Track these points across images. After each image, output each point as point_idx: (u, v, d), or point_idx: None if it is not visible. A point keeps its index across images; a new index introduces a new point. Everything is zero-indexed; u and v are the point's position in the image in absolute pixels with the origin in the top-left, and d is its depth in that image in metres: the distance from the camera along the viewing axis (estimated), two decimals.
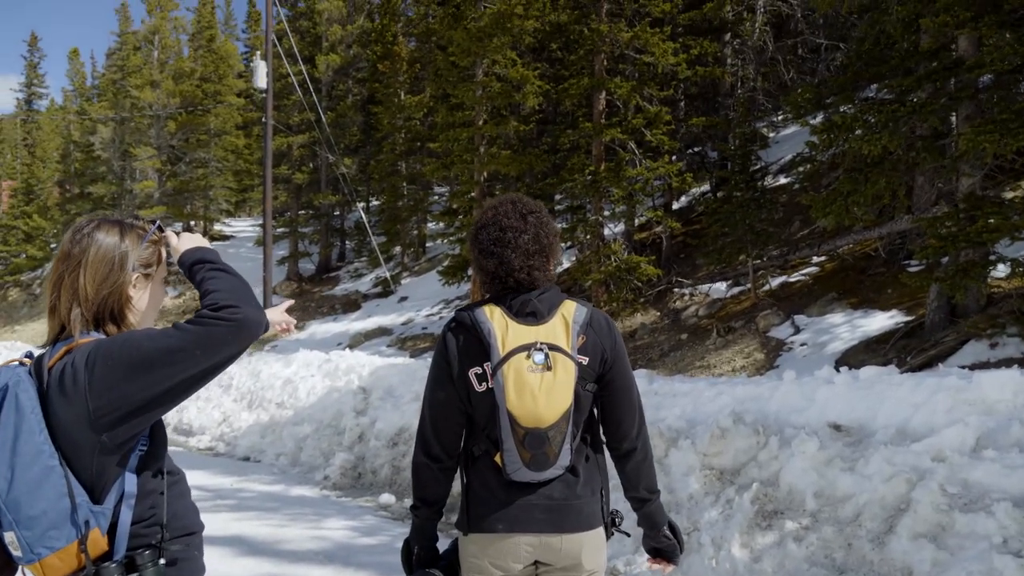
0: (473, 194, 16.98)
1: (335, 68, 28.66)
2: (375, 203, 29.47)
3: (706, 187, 16.66)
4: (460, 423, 2.12)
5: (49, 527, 1.47)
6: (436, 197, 26.71)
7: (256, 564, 5.30)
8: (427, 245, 26.38)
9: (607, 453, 2.22)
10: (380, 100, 25.35)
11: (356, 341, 18.80)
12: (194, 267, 1.67)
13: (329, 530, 6.26)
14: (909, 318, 9.35)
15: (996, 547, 3.71)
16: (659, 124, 13.13)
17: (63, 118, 46.75)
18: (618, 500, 2.29)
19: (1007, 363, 7.13)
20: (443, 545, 2.25)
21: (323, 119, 23.21)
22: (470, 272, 16.87)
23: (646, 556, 2.34)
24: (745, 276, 12.52)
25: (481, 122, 16.26)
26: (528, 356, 1.98)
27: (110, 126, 34.37)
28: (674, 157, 14.72)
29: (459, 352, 2.07)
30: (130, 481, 1.57)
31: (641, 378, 6.75)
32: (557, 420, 1.98)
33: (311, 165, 29.13)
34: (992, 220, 7.59)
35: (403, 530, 2.67)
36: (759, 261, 12.35)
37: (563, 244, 14.93)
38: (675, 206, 16.97)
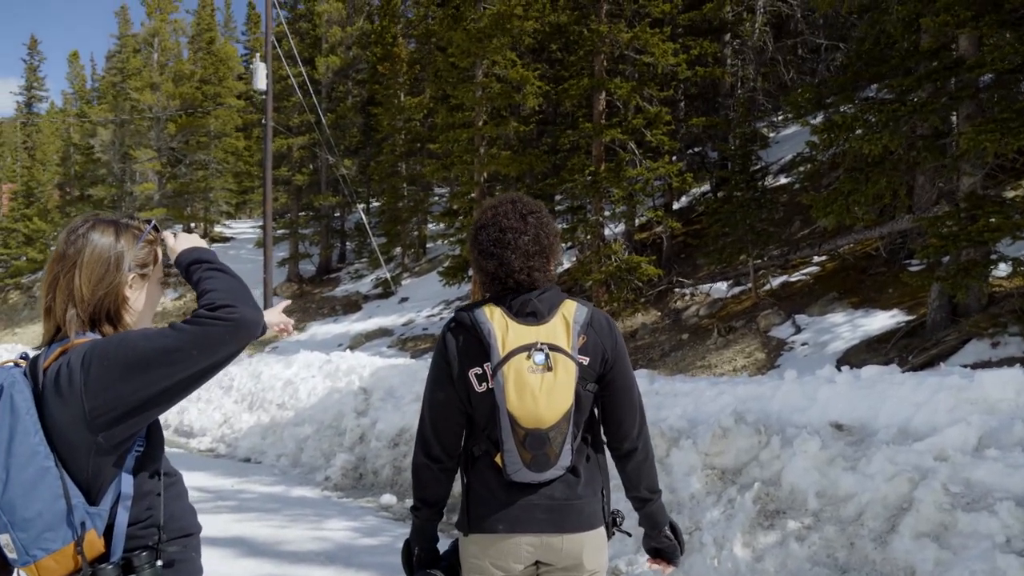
0: (473, 195, 16.98)
1: (335, 70, 28.67)
2: (375, 204, 29.48)
3: (706, 187, 16.66)
4: (460, 423, 2.11)
5: (45, 529, 1.46)
6: (436, 198, 26.72)
7: (257, 565, 5.29)
8: (427, 246, 26.38)
9: (608, 453, 2.21)
10: (380, 101, 25.36)
11: (357, 342, 18.80)
12: (191, 267, 1.66)
13: (330, 531, 6.25)
14: (910, 317, 9.34)
15: (999, 546, 3.70)
16: (659, 124, 13.13)
17: (63, 121, 46.76)
18: (619, 500, 2.28)
19: (1009, 362, 7.11)
20: (443, 546, 2.24)
21: (323, 121, 23.22)
22: (470, 273, 16.87)
23: (646, 556, 2.33)
24: (746, 276, 12.51)
25: (481, 123, 16.26)
26: (528, 356, 1.97)
27: (110, 128, 34.38)
28: (674, 157, 14.72)
29: (459, 352, 2.06)
30: (126, 482, 1.55)
31: (642, 378, 6.73)
32: (558, 421, 1.97)
33: (311, 167, 29.13)
34: (993, 219, 7.58)
35: (404, 531, 2.66)
36: (760, 261, 12.34)
37: (564, 244, 14.96)
38: (675, 206, 16.96)
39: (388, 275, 22.64)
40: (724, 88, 16.52)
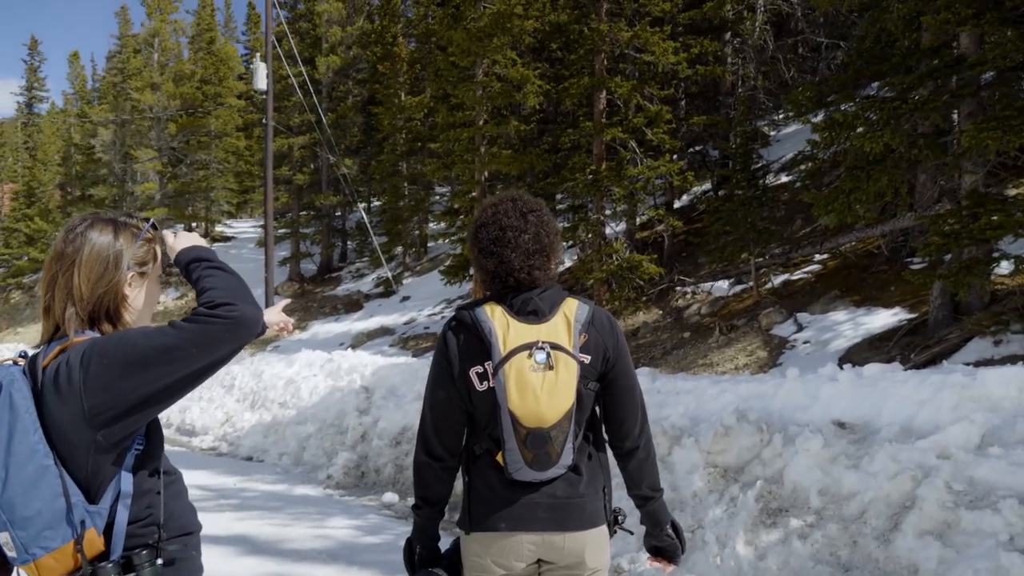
0: (474, 194, 16.97)
1: (335, 69, 28.67)
2: (376, 203, 29.48)
3: (707, 186, 16.65)
4: (461, 422, 2.10)
5: (44, 527, 1.46)
6: (437, 197, 26.72)
7: (259, 563, 5.29)
8: (429, 245, 26.38)
9: (609, 451, 2.20)
10: (380, 101, 25.36)
11: (358, 341, 18.80)
12: (190, 265, 1.66)
13: (332, 529, 6.25)
14: (912, 315, 9.32)
15: (1003, 544, 3.68)
16: (660, 123, 13.12)
17: (64, 121, 46.79)
18: (621, 498, 2.27)
19: (1011, 360, 7.09)
20: (445, 544, 2.24)
21: (323, 120, 23.20)
22: (472, 272, 16.86)
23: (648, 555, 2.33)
24: (747, 274, 12.50)
25: (482, 122, 16.25)
26: (530, 355, 1.96)
27: (111, 128, 34.40)
28: (675, 156, 14.71)
29: (459, 351, 2.05)
30: (126, 480, 1.55)
31: (644, 376, 6.73)
32: (559, 420, 1.96)
33: (312, 166, 29.14)
34: (995, 217, 7.56)
35: (407, 529, 2.67)
36: (761, 259, 12.33)
37: (565, 243, 14.93)
38: (676, 205, 16.95)
39: (389, 274, 22.64)
40: (725, 87, 16.51)
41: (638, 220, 15.82)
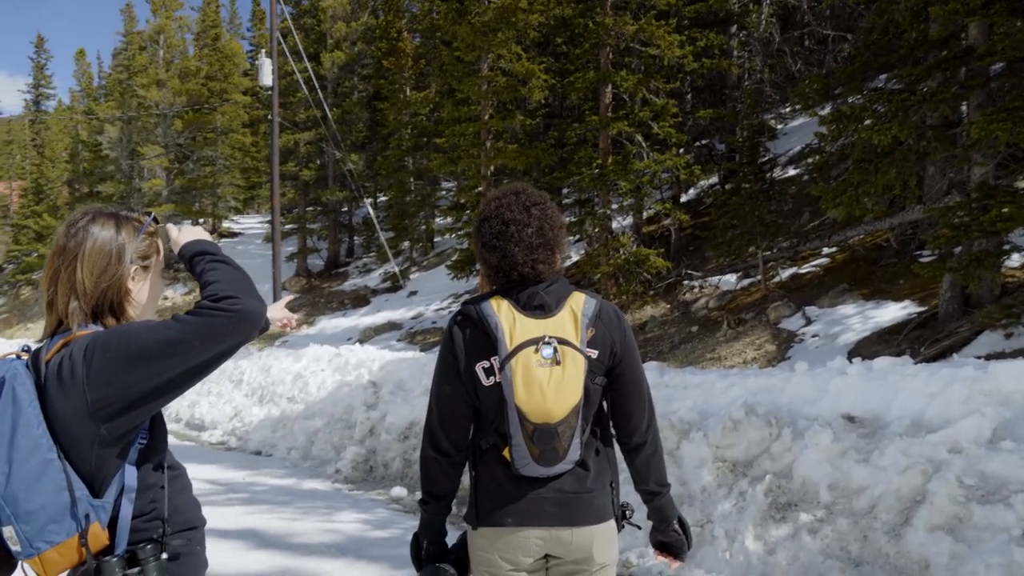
0: (480, 188, 16.94)
1: (340, 65, 28.66)
2: (383, 199, 29.49)
3: (714, 179, 16.58)
4: (467, 417, 2.09)
5: (48, 521, 1.45)
6: (443, 192, 26.70)
7: (269, 557, 5.30)
8: (435, 240, 26.38)
9: (617, 446, 2.18)
10: (386, 96, 25.33)
11: (366, 336, 18.82)
12: (194, 259, 1.65)
13: (341, 523, 6.26)
14: (922, 308, 9.27)
15: (1015, 539, 3.65)
16: (666, 117, 13.06)
17: (71, 118, 46.94)
18: (628, 493, 2.26)
19: (1023, 353, 7.05)
20: (452, 539, 2.23)
21: (329, 116, 23.22)
22: (479, 266, 16.84)
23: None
24: (755, 268, 12.45)
25: (487, 117, 16.21)
26: (536, 350, 1.94)
27: (117, 125, 34.51)
28: (681, 150, 14.65)
29: (465, 346, 2.03)
30: (130, 475, 1.55)
31: (652, 370, 6.71)
32: (566, 415, 1.94)
33: (318, 162, 29.15)
34: (1006, 209, 7.50)
35: (415, 523, 2.66)
36: (769, 253, 12.27)
37: (571, 238, 14.91)
38: (683, 198, 16.89)
39: (396, 269, 22.66)
40: (731, 80, 16.43)
41: (645, 214, 15.77)
